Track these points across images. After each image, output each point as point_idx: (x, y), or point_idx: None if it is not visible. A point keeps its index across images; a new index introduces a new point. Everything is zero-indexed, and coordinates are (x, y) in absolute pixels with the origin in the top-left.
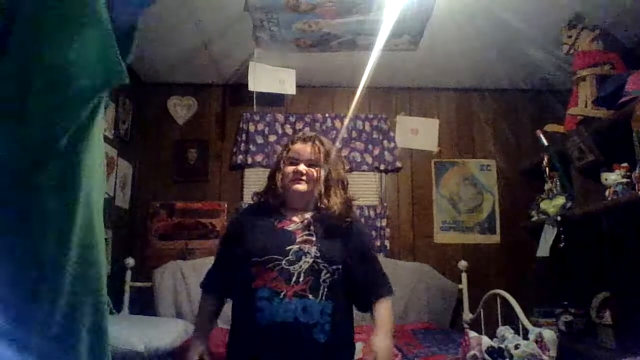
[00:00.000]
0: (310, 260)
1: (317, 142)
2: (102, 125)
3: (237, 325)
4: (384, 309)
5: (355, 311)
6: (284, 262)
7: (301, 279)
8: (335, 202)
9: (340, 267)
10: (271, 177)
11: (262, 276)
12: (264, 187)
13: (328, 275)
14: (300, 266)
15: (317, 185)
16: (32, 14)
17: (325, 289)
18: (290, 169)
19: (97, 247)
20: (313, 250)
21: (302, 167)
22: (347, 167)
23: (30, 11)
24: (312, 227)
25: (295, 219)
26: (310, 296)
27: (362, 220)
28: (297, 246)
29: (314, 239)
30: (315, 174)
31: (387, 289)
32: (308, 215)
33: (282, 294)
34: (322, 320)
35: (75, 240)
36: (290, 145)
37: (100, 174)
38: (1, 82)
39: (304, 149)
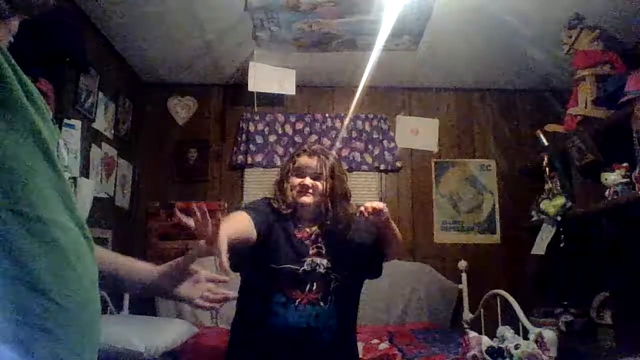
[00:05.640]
0: (323, 271)
1: (322, 157)
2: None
3: (246, 326)
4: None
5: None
6: (300, 271)
7: (314, 288)
8: (339, 216)
9: (347, 273)
10: (279, 186)
11: (279, 283)
12: (272, 194)
13: (337, 283)
14: (314, 276)
15: (323, 198)
16: None
17: (334, 296)
18: (297, 180)
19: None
20: (324, 262)
21: (308, 181)
22: (348, 179)
23: None
24: (320, 240)
25: (306, 230)
26: (322, 303)
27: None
28: (310, 258)
29: (323, 251)
30: (320, 187)
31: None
32: (315, 227)
33: (297, 301)
34: (330, 323)
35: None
36: (296, 157)
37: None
38: None
39: (310, 162)
